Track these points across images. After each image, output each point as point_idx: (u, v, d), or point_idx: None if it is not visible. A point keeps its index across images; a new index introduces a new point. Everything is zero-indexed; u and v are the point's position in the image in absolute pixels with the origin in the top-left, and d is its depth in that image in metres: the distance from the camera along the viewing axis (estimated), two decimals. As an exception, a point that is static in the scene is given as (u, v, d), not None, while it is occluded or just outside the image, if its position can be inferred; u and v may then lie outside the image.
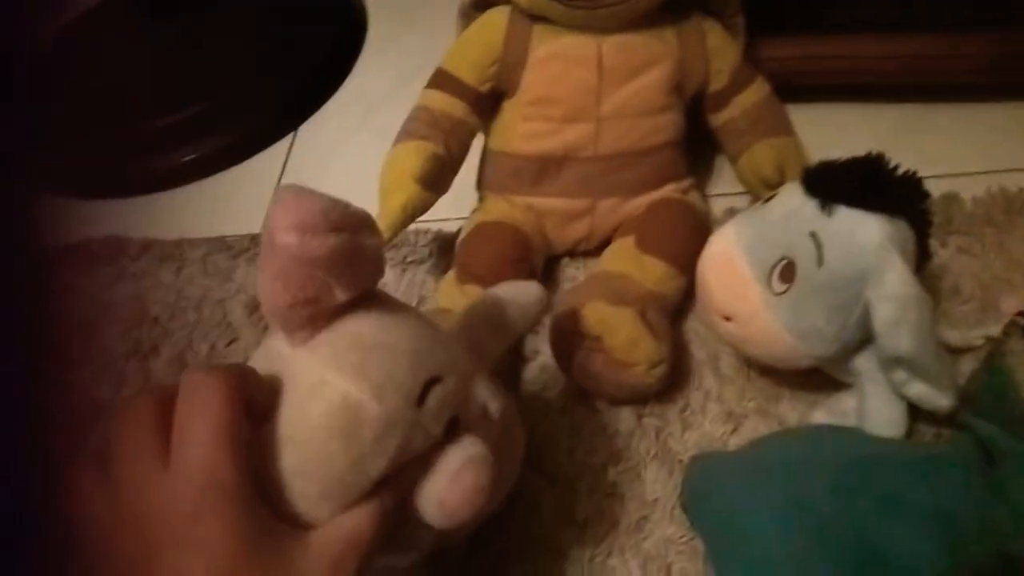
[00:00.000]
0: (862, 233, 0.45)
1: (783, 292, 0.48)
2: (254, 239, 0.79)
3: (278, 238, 0.31)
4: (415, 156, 0.60)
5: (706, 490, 0.47)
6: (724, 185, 0.73)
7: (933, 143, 0.70)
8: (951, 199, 0.65)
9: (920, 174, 0.49)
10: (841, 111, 0.75)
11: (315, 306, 0.33)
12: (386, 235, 0.60)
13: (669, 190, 0.65)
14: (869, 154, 0.47)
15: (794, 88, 0.70)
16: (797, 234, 0.47)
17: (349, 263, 0.33)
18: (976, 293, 0.60)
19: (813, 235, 0.46)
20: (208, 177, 0.87)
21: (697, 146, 0.69)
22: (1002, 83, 0.71)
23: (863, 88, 0.74)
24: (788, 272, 0.47)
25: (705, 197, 0.70)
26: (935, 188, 0.66)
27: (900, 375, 0.47)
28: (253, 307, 0.73)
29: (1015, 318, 0.58)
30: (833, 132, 0.70)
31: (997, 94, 0.72)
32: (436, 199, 0.62)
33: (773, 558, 0.41)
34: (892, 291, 0.44)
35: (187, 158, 0.87)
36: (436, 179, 0.61)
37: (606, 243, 0.65)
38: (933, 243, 0.62)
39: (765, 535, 0.41)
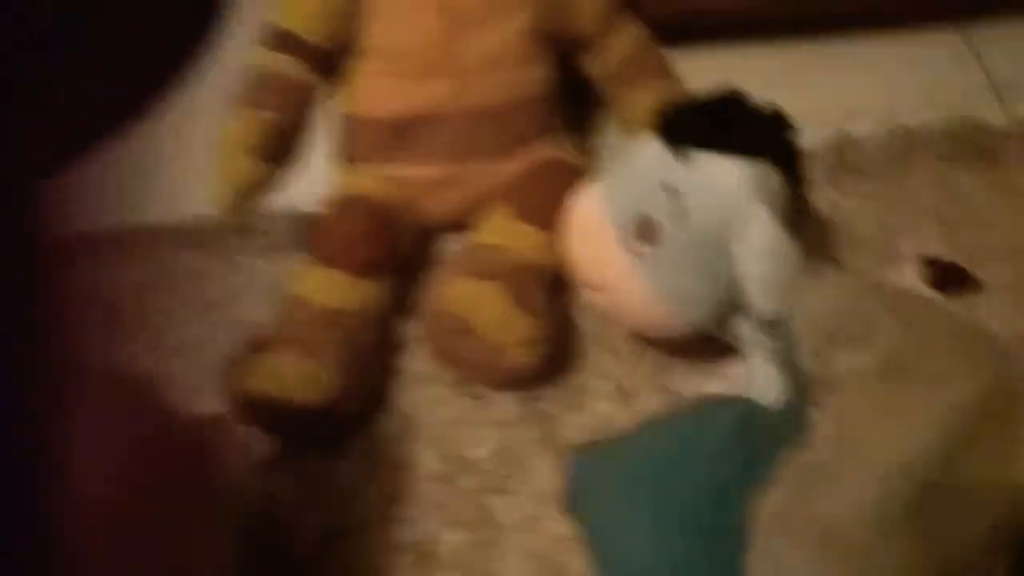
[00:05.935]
0: (720, 179, 0.40)
1: (647, 254, 0.42)
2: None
3: None
4: (244, 125, 0.53)
5: (582, 492, 0.42)
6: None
7: (826, 84, 0.65)
8: (845, 140, 0.60)
9: (810, 114, 0.44)
10: (731, 54, 0.70)
11: None
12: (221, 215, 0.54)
13: (544, 149, 0.59)
14: (723, 91, 0.41)
15: (682, 30, 0.65)
16: (651, 187, 0.42)
17: None
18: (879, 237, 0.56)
19: (669, 186, 0.41)
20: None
21: (580, 96, 0.63)
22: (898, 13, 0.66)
23: (752, 26, 0.69)
24: (647, 230, 0.42)
25: (588, 151, 0.64)
26: (828, 128, 0.62)
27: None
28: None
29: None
30: (722, 78, 0.65)
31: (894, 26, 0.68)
32: (277, 171, 0.55)
33: (650, 566, 0.36)
34: (756, 245, 0.39)
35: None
36: (272, 149, 0.54)
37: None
38: (828, 188, 0.58)
39: (638, 543, 0.37)
